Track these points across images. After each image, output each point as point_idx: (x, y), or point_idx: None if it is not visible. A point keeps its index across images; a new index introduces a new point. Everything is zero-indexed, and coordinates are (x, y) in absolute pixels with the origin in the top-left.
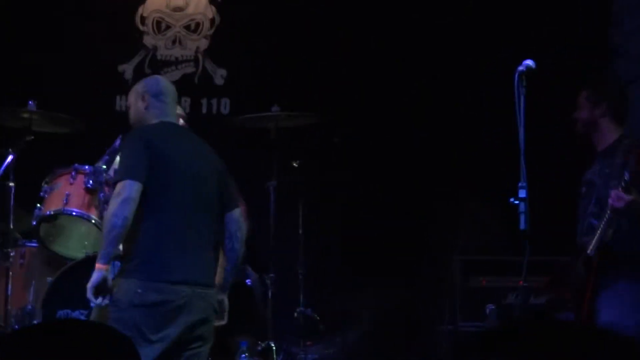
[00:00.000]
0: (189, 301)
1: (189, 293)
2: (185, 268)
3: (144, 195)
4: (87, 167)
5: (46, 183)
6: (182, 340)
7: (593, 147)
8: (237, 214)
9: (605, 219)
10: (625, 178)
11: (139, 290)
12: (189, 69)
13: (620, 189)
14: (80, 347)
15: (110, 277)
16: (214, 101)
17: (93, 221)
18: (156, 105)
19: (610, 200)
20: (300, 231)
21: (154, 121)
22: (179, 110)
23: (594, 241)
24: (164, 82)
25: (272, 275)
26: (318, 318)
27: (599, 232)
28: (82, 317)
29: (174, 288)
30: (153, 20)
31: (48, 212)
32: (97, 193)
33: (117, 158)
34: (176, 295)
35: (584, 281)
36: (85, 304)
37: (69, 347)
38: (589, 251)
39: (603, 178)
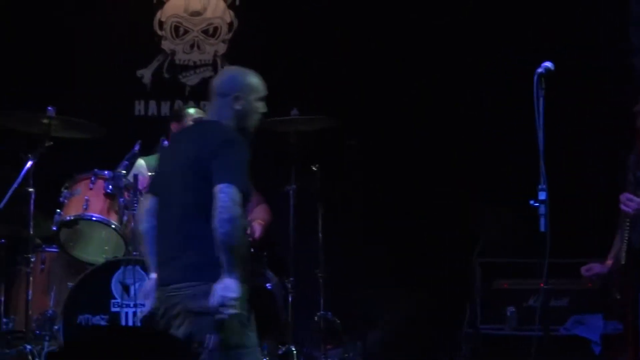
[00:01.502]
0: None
1: (161, 295)
2: (159, 271)
3: None
4: (106, 172)
5: (66, 188)
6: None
7: None
8: (216, 191)
9: (626, 225)
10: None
11: None
12: (208, 73)
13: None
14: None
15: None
16: None
17: (113, 226)
18: None
19: (621, 205)
20: (320, 235)
21: None
22: (202, 114)
23: (624, 249)
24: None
25: (292, 279)
26: (338, 322)
27: (625, 239)
28: (103, 322)
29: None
30: (171, 24)
31: (68, 217)
32: (117, 198)
33: (137, 162)
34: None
35: (624, 291)
36: (105, 309)
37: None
38: (621, 260)
39: None
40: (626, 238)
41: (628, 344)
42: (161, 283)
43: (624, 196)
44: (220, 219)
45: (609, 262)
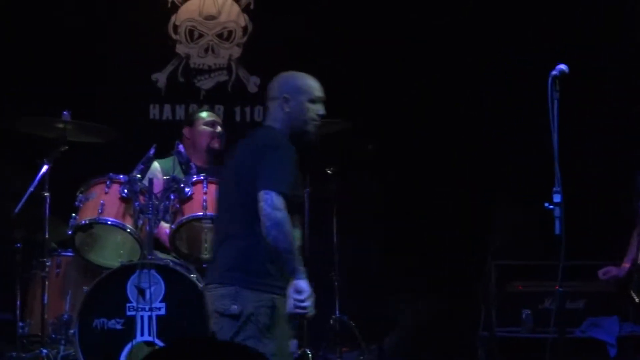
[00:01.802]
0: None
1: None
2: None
3: None
4: (122, 176)
5: (81, 192)
6: None
7: None
8: (259, 199)
9: None
10: None
11: None
12: (222, 77)
13: None
14: None
15: None
16: (248, 109)
17: (128, 230)
18: None
19: None
20: (335, 238)
21: None
22: (215, 117)
23: None
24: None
25: None
26: (354, 325)
27: None
28: (119, 327)
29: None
30: (186, 28)
31: (83, 222)
32: (132, 202)
33: (152, 166)
34: None
35: None
36: (121, 313)
37: None
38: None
39: None
40: None
41: None
42: (205, 283)
43: None
44: (265, 227)
45: (626, 265)
